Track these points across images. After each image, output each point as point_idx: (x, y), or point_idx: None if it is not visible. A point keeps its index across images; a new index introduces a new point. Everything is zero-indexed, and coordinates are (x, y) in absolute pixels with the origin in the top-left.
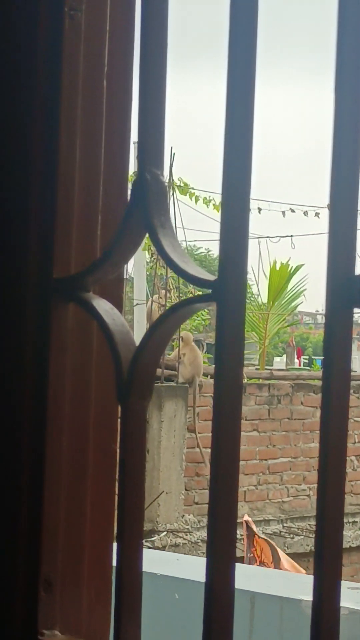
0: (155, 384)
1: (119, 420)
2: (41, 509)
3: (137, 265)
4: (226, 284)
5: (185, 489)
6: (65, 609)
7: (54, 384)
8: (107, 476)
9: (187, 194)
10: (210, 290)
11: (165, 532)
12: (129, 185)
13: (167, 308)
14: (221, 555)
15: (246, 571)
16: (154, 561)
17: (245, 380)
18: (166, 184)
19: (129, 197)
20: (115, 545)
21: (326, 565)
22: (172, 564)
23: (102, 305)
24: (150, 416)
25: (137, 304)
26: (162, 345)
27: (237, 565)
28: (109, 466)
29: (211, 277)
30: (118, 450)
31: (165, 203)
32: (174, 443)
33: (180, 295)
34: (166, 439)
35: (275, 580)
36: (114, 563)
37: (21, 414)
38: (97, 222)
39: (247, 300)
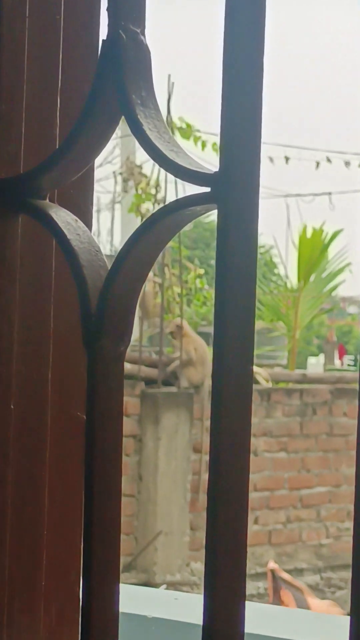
0: (151, 390)
1: (86, 374)
2: None
3: (125, 235)
4: (230, 178)
5: (191, 528)
6: None
7: None
8: (70, 457)
9: (191, 138)
10: (209, 189)
11: (164, 586)
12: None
13: (165, 289)
14: (226, 589)
15: (268, 612)
16: (144, 599)
17: (270, 384)
18: (148, 47)
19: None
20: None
21: None
22: (169, 604)
23: (63, 217)
24: (144, 431)
25: None
26: (143, 268)
27: (253, 604)
28: (74, 445)
29: (209, 170)
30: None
31: (146, 73)
32: (176, 467)
33: (184, 271)
34: (165, 462)
35: (310, 624)
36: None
37: None
38: (56, 104)
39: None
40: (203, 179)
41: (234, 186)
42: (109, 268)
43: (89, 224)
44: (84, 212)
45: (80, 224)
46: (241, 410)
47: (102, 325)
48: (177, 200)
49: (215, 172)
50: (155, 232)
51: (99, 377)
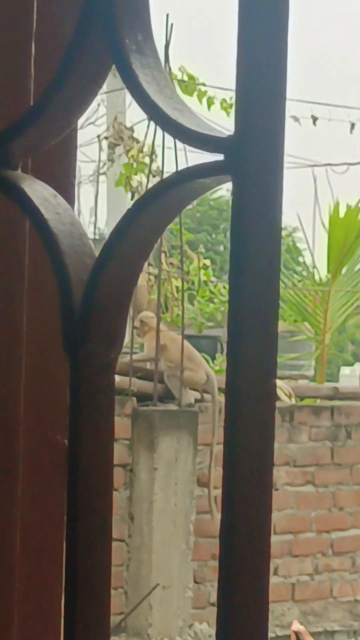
0: (145, 407)
1: (68, 387)
2: None
3: (112, 214)
4: (248, 142)
5: (195, 581)
6: None
7: None
8: (48, 493)
9: (195, 94)
10: (222, 156)
11: None
12: None
13: (162, 282)
14: None
15: None
16: None
17: (293, 401)
18: None
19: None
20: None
21: None
22: None
23: (39, 191)
24: (136, 459)
25: None
26: (139, 255)
27: None
28: (53, 477)
29: (222, 133)
30: (67, 444)
31: (144, 11)
32: (176, 505)
33: (186, 260)
34: (163, 499)
35: None
36: None
37: None
38: (29, 51)
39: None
40: (215, 144)
41: (252, 153)
42: (97, 255)
43: (71, 201)
44: (64, 186)
45: (61, 200)
46: (261, 435)
47: (88, 326)
48: (181, 171)
49: (230, 135)
50: (154, 210)
51: (84, 391)
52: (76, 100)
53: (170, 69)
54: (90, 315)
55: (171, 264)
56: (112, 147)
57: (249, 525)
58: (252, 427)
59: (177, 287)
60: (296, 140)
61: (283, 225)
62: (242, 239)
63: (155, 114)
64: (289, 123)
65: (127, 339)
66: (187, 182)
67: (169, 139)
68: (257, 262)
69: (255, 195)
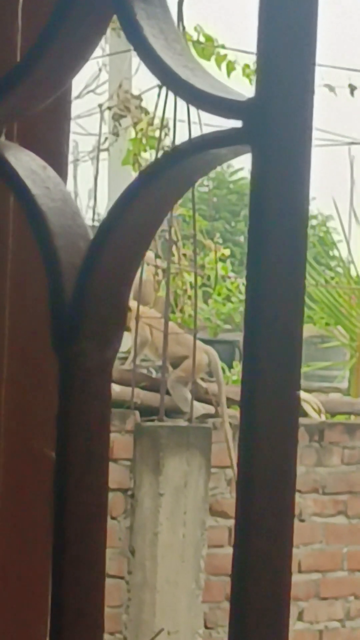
0: (150, 423)
1: (57, 391)
2: None
3: (114, 197)
4: (271, 107)
5: (206, 627)
6: None
7: None
8: (31, 516)
9: (213, 58)
10: (241, 122)
11: None
12: None
13: (172, 277)
14: None
15: None
16: None
17: (323, 417)
18: None
19: None
20: None
21: None
22: None
23: (26, 162)
24: (138, 483)
25: None
26: (142, 238)
27: None
28: (38, 495)
29: (241, 96)
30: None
31: None
32: (184, 537)
33: (200, 251)
34: (169, 530)
35: None
36: None
37: None
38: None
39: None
40: (231, 109)
41: (276, 120)
42: (92, 238)
43: (63, 174)
44: (56, 157)
45: (51, 172)
46: (281, 457)
47: (81, 321)
48: (193, 140)
49: (250, 98)
50: (161, 185)
51: (76, 397)
52: (70, 57)
53: (184, 28)
54: (83, 308)
55: (183, 255)
56: (117, 118)
57: (265, 562)
58: (271, 448)
59: (189, 283)
60: (331, 113)
61: (315, 213)
62: (262, 225)
63: (162, 72)
64: (322, 93)
65: (129, 344)
66: (198, 152)
67: (184, 110)
68: (280, 253)
69: (278, 170)
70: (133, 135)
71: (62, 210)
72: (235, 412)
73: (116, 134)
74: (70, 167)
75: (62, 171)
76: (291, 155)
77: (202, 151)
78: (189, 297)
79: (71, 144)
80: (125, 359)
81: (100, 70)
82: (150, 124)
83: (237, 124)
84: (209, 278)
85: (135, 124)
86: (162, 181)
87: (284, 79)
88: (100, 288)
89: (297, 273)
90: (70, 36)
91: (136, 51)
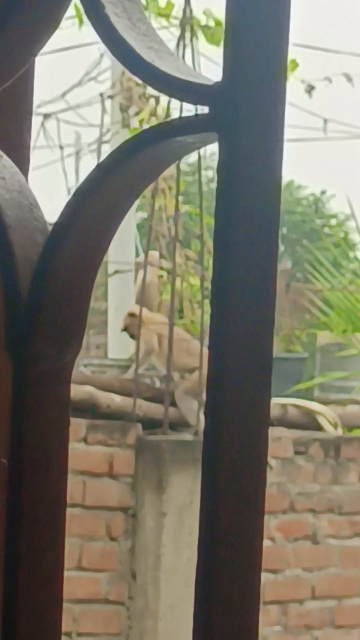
0: (154, 437)
1: (11, 398)
2: None
3: None
4: (239, 91)
5: None
6: None
7: None
8: None
9: (222, 44)
10: (207, 108)
11: None
12: None
13: (172, 274)
14: None
15: None
16: None
17: (340, 431)
18: None
19: None
20: None
21: None
22: None
23: None
24: (140, 502)
25: (117, 272)
26: (105, 230)
27: None
28: None
29: (208, 80)
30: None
31: None
32: (189, 560)
33: (205, 253)
34: (173, 552)
35: None
36: None
37: None
38: None
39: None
40: (197, 94)
41: (244, 105)
42: (50, 232)
43: (22, 164)
44: (14, 146)
45: (7, 161)
46: (250, 472)
47: (38, 320)
48: (154, 127)
49: (217, 82)
50: (122, 176)
51: (31, 402)
52: (30, 34)
53: (191, 12)
54: (40, 306)
55: (189, 257)
56: (125, 109)
57: (233, 586)
58: (238, 461)
59: (195, 287)
60: (350, 105)
61: (332, 212)
62: (229, 220)
63: (124, 54)
64: (339, 82)
65: (130, 352)
66: (161, 140)
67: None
68: (248, 250)
69: (246, 160)
70: (137, 126)
71: (19, 202)
72: None
73: (127, 126)
74: (72, 160)
75: (21, 161)
76: (261, 144)
77: (167, 139)
78: (196, 302)
79: (73, 136)
80: (127, 367)
81: (101, 56)
82: (153, 114)
83: (205, 109)
84: None
85: (136, 114)
86: (124, 171)
87: (253, 62)
88: (59, 285)
89: (267, 273)
90: (29, 12)
91: (96, 31)
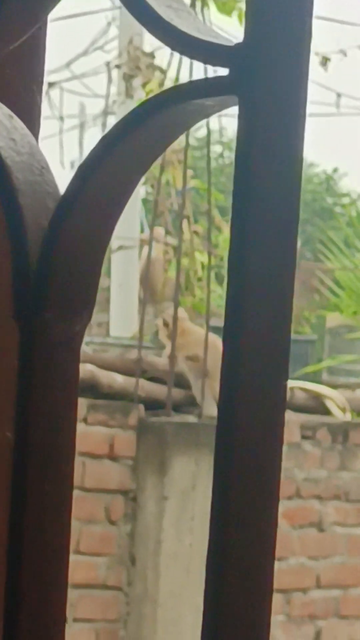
0: (156, 419)
1: (18, 369)
2: None
3: None
4: (261, 53)
5: None
6: None
7: None
8: None
9: (234, 14)
10: (227, 70)
11: None
12: None
13: (183, 256)
14: None
15: None
16: None
17: (349, 416)
18: None
19: None
20: None
21: None
22: None
23: None
24: (141, 485)
25: (122, 248)
26: (118, 196)
27: None
28: None
29: (228, 41)
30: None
31: None
32: (191, 546)
33: (213, 229)
34: (174, 537)
35: None
36: None
37: None
38: None
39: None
40: (216, 55)
41: (265, 68)
42: (62, 196)
43: (34, 126)
44: (26, 106)
45: (18, 122)
46: (265, 457)
47: (47, 289)
48: (173, 89)
49: (237, 43)
50: (138, 138)
51: (39, 374)
52: None
53: None
54: (50, 274)
55: (195, 233)
56: (127, 79)
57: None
58: (254, 444)
59: (201, 263)
60: None
61: (345, 190)
62: (249, 187)
63: (141, 12)
64: (355, 56)
65: (134, 330)
66: (178, 102)
67: (200, 69)
68: (267, 219)
69: (268, 125)
70: (143, 97)
71: (29, 165)
72: None
73: (131, 96)
74: (76, 132)
75: (33, 122)
76: (283, 108)
77: (184, 101)
78: (201, 279)
79: (77, 106)
80: (130, 346)
81: (109, 24)
82: (162, 84)
83: (224, 71)
84: (223, 258)
85: (144, 85)
86: (139, 135)
87: (276, 23)
88: (71, 253)
89: (287, 243)
90: None
91: None
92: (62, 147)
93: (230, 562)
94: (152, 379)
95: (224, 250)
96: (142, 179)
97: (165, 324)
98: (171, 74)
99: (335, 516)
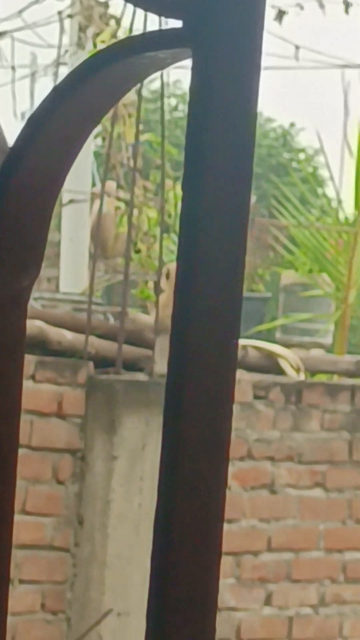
0: (105, 377)
1: None
2: None
3: None
4: (215, 4)
5: None
6: None
7: None
8: None
9: None
10: (181, 23)
11: None
12: None
13: (130, 206)
14: None
15: None
16: None
17: (302, 376)
18: None
19: None
20: None
21: None
22: None
23: None
24: (89, 444)
25: (72, 202)
26: (68, 148)
27: None
28: None
29: None
30: None
31: None
32: (140, 507)
33: (166, 184)
34: (123, 498)
35: None
36: None
37: None
38: None
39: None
40: (170, 7)
41: (220, 19)
42: (9, 148)
43: None
44: None
45: None
46: (215, 416)
47: None
48: (123, 41)
49: None
50: (88, 90)
51: None
52: None
53: None
54: None
55: (147, 189)
56: (83, 29)
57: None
58: (203, 404)
59: (154, 219)
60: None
61: (300, 146)
62: (201, 140)
63: None
64: (312, 9)
65: (84, 285)
66: (130, 55)
67: (155, 21)
68: (221, 174)
69: (221, 78)
70: (95, 46)
71: None
72: None
73: (82, 46)
74: (27, 82)
75: None
76: (237, 62)
77: (137, 53)
78: (153, 236)
79: (29, 56)
80: (80, 302)
81: None
82: (114, 35)
83: (178, 24)
84: (176, 214)
85: (96, 35)
86: (92, 85)
87: None
88: (18, 206)
89: (241, 199)
90: None
91: None
92: (14, 98)
93: (179, 524)
94: (102, 335)
95: (174, 206)
96: (94, 132)
97: (167, 276)
98: (125, 24)
99: (287, 478)
